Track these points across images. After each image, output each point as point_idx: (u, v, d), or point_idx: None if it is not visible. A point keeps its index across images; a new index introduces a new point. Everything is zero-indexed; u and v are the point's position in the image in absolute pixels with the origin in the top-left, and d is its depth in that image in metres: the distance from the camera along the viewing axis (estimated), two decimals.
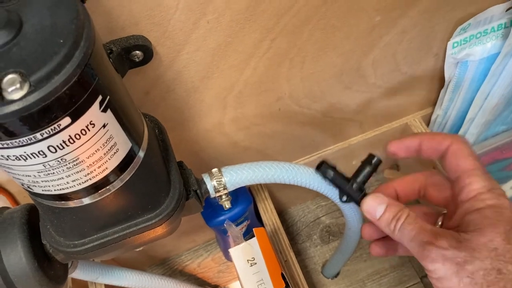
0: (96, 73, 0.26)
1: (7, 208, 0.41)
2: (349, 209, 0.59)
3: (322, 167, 0.41)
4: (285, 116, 0.58)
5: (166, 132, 0.41)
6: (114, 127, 0.28)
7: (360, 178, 0.41)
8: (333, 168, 0.41)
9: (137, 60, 0.38)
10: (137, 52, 0.37)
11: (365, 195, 0.40)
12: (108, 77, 0.27)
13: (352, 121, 0.67)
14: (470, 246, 0.32)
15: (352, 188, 0.41)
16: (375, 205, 0.38)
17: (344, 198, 0.42)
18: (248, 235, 0.72)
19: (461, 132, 0.70)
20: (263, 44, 0.44)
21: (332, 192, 0.53)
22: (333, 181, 0.41)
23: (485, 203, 0.34)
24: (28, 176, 0.28)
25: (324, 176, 0.41)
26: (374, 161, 0.41)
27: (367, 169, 0.41)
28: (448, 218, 0.40)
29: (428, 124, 0.75)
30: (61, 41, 0.23)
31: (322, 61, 0.51)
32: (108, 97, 0.27)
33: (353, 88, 0.59)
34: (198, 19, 0.38)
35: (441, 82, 0.66)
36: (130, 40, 0.36)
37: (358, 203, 0.40)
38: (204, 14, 0.38)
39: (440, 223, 0.41)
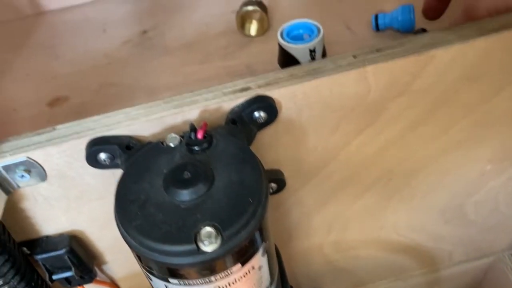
0: (265, 223, 0.28)
1: None
2: None
3: None
4: (383, 242, 0.58)
5: (281, 257, 0.43)
6: (265, 268, 0.31)
7: None
8: None
9: (271, 191, 0.41)
10: (273, 184, 0.40)
11: None
12: (268, 223, 0.30)
13: (443, 250, 0.67)
14: None
15: None
16: None
17: None
18: None
19: None
20: (380, 181, 0.47)
21: None
22: None
23: None
24: None
25: None
26: None
27: None
28: None
29: None
30: (250, 200, 0.26)
31: (430, 199, 0.52)
32: (268, 242, 0.30)
33: (451, 223, 0.59)
34: (330, 160, 0.41)
35: None
36: (271, 175, 0.39)
37: None
38: (336, 157, 0.41)
39: None
